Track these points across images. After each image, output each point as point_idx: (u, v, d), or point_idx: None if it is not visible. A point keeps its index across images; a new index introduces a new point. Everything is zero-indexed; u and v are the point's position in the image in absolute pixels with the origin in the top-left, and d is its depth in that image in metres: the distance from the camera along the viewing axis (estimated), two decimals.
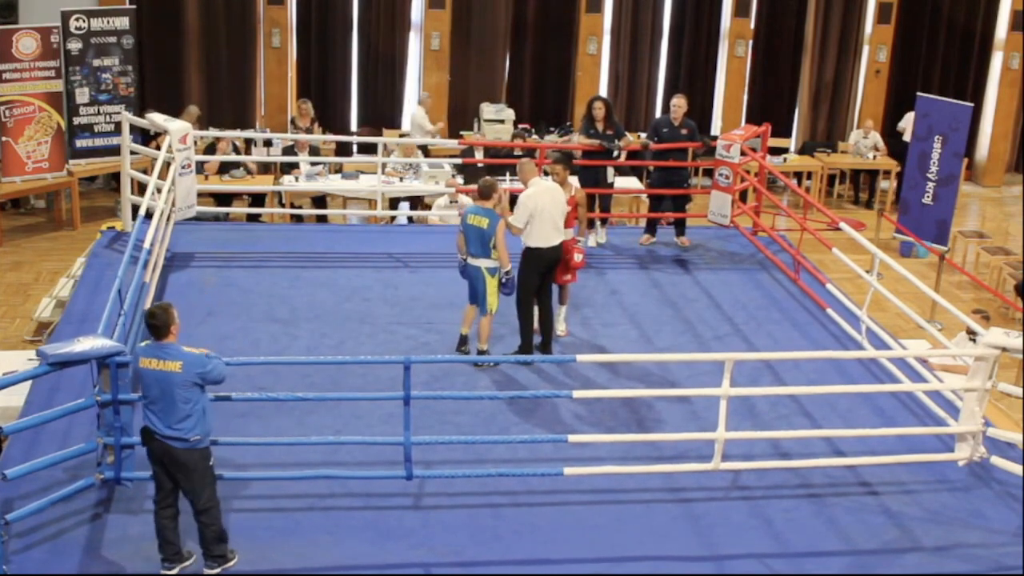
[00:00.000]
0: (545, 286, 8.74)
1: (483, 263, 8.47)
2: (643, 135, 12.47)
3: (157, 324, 6.12)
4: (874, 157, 16.24)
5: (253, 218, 13.20)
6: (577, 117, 16.42)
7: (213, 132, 13.38)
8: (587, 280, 10.26)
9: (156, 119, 10.73)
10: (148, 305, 7.84)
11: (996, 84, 17.88)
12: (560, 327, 9.17)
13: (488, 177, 8.86)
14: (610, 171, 11.17)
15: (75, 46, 13.71)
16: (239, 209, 13.37)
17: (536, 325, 8.82)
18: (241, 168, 13.32)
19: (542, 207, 8.47)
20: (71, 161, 13.94)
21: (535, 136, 15.71)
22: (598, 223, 11.35)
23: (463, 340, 8.79)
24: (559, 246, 8.64)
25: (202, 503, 6.16)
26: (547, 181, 8.80)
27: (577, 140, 11.33)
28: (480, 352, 8.60)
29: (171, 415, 6.04)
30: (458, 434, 7.39)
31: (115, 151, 12.70)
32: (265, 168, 13.78)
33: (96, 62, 13.88)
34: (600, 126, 10.99)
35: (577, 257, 8.91)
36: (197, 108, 14.16)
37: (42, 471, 6.58)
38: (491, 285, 8.49)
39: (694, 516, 6.91)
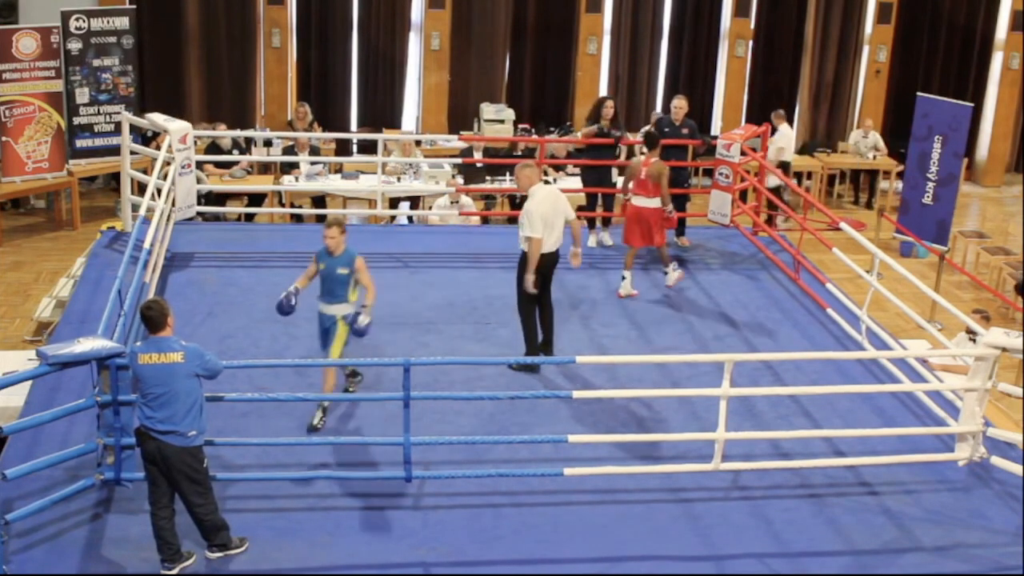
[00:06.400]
0: (545, 287, 8.71)
1: (339, 310, 7.67)
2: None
3: (153, 316, 6.13)
4: (874, 157, 16.24)
5: (251, 218, 13.22)
6: (578, 117, 16.44)
7: (213, 132, 13.38)
8: (587, 280, 10.27)
9: (156, 119, 10.72)
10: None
11: (996, 84, 17.89)
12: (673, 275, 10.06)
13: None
14: (614, 172, 11.21)
15: (75, 46, 13.71)
16: (238, 209, 13.37)
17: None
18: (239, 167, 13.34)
19: (546, 214, 8.41)
20: (71, 161, 13.94)
21: (535, 136, 15.70)
22: (600, 223, 11.35)
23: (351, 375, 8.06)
24: (556, 252, 8.61)
25: (196, 502, 6.17)
26: (547, 187, 8.72)
27: (583, 135, 11.27)
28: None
29: (171, 409, 6.04)
30: (458, 434, 7.39)
31: (115, 151, 12.70)
32: (265, 168, 13.80)
33: (96, 62, 13.88)
34: (606, 125, 11.02)
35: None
36: (225, 126, 14.15)
37: (42, 471, 6.59)
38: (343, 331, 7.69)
39: (694, 516, 6.91)
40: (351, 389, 8.04)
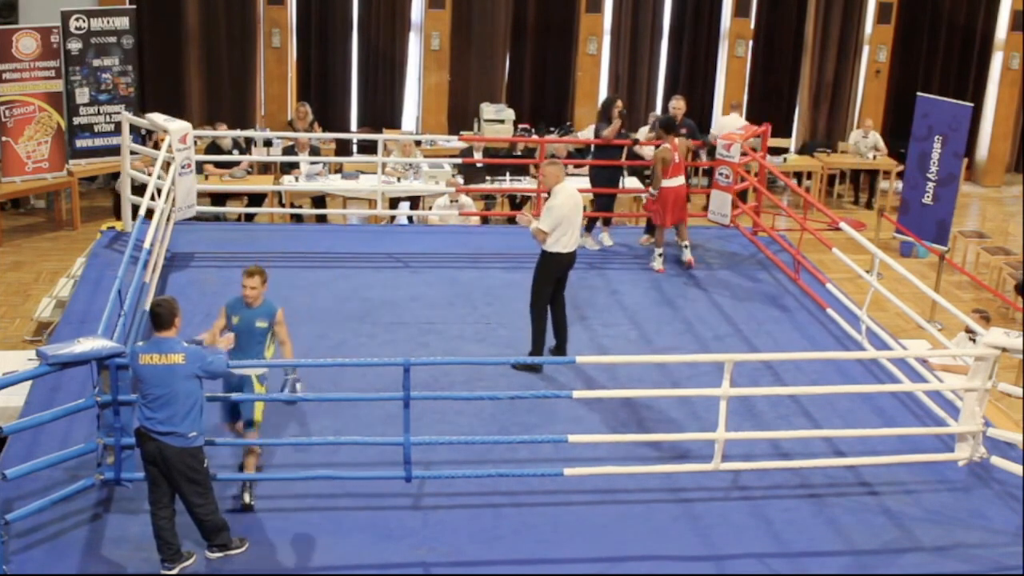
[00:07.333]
0: (560, 288, 8.71)
1: (253, 370, 6.83)
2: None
3: (162, 313, 6.13)
4: (874, 157, 16.24)
5: (250, 218, 13.22)
6: (578, 117, 16.45)
7: (213, 132, 13.38)
8: (587, 280, 10.27)
9: (156, 119, 10.72)
10: (148, 306, 7.83)
11: (996, 84, 17.88)
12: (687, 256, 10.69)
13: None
14: (624, 172, 11.26)
15: (75, 46, 13.70)
16: (238, 209, 13.38)
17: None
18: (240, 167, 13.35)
19: (567, 216, 8.42)
20: (71, 161, 13.94)
21: (535, 136, 15.69)
22: (601, 223, 11.34)
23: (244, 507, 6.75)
24: (573, 252, 8.62)
25: (196, 502, 6.17)
26: (570, 187, 8.66)
27: (606, 134, 11.22)
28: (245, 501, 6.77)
29: (171, 410, 6.04)
30: (458, 434, 7.39)
31: (115, 151, 12.69)
32: (265, 168, 13.80)
33: (96, 62, 13.88)
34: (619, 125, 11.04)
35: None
36: (225, 126, 14.11)
37: (42, 471, 6.59)
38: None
39: (694, 516, 6.91)
40: (249, 501, 6.78)
